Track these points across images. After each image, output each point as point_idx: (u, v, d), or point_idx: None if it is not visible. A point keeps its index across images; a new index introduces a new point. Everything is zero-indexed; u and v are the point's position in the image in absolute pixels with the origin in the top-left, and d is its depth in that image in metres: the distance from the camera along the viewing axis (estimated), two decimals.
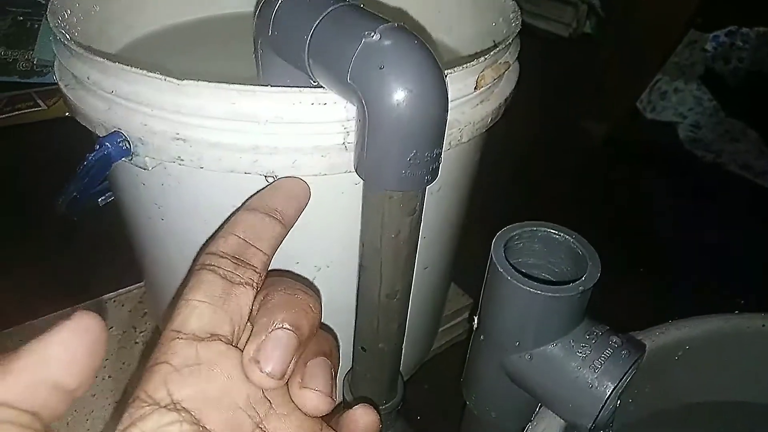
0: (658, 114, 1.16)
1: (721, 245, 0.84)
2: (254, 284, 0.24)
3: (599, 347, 0.25)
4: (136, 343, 0.56)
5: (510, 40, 0.38)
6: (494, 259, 0.26)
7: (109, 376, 0.53)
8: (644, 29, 1.14)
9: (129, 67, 0.31)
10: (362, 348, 0.37)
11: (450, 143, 0.36)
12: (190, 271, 0.25)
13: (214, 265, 0.24)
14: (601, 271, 0.25)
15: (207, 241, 0.33)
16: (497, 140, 0.45)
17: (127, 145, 0.34)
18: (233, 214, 0.31)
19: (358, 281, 0.35)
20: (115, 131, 0.34)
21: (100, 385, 0.52)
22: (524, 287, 0.25)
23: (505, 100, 0.40)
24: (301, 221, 0.38)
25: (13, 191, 0.79)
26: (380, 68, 0.26)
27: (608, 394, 0.24)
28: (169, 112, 0.32)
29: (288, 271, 0.39)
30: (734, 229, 0.89)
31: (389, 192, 0.29)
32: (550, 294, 0.25)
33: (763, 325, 0.33)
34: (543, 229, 0.27)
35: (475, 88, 0.35)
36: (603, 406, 0.24)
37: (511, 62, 0.39)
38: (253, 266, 0.25)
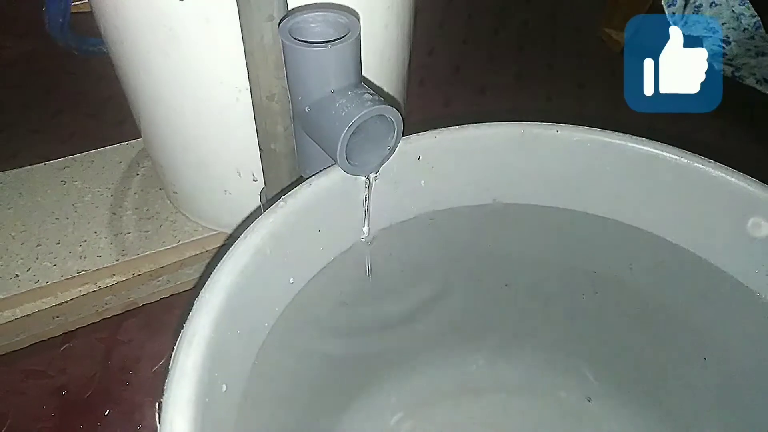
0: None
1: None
2: None
3: (355, 98, 0.32)
4: (137, 174, 0.69)
5: None
6: (280, 34, 0.33)
7: (111, 195, 0.66)
8: None
9: None
10: (261, 149, 0.47)
11: None
12: None
13: None
14: None
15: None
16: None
17: None
18: None
19: (250, 92, 0.44)
20: None
21: (99, 207, 0.66)
22: (297, 47, 0.32)
23: None
24: (221, 44, 0.47)
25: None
26: None
27: (351, 122, 0.31)
28: None
29: None
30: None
31: None
32: (313, 49, 0.32)
33: (558, 132, 0.38)
34: (329, 12, 0.34)
35: None
36: (345, 134, 0.31)
37: None
38: None
